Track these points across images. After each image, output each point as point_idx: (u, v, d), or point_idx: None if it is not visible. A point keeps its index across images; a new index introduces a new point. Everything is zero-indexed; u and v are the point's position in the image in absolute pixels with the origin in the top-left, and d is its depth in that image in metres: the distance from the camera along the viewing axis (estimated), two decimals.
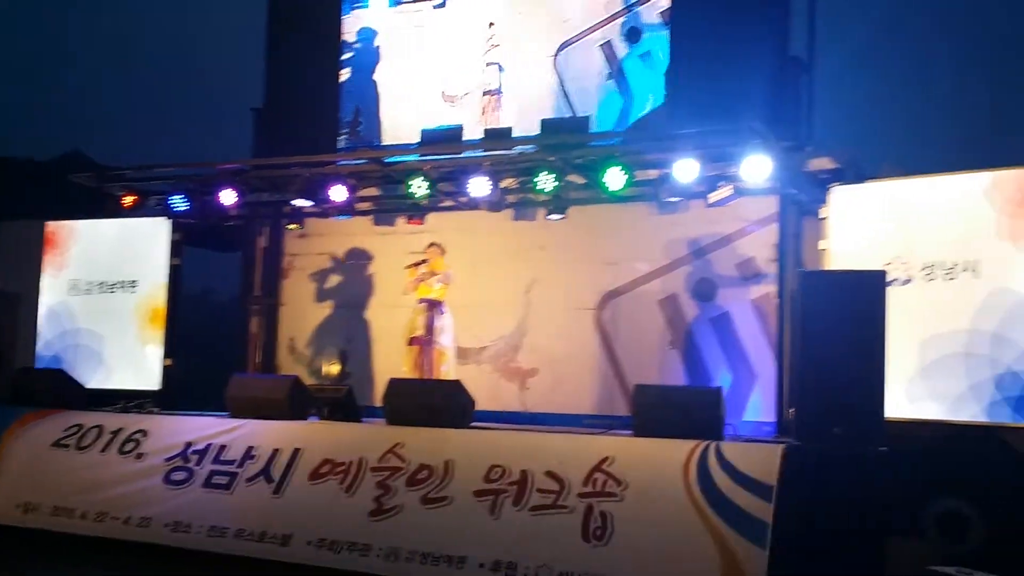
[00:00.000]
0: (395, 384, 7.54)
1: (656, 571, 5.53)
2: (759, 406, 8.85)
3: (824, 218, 8.01)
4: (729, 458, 5.86)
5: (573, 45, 9.94)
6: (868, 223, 7.79)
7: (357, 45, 10.97)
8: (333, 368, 10.07)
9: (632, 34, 9.76)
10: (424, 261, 9.05)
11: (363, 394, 9.34)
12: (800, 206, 8.42)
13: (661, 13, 9.63)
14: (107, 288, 10.16)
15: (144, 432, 7.60)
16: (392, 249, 10.32)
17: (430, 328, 8.91)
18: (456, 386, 7.42)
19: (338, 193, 8.93)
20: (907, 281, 7.52)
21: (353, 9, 11.04)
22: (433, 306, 8.97)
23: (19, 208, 12.93)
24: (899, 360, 6.98)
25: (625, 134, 9.54)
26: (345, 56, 10.97)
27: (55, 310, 10.28)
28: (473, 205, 9.11)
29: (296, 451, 6.94)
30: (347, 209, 9.32)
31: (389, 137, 10.64)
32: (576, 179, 8.58)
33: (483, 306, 9.96)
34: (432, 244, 9.15)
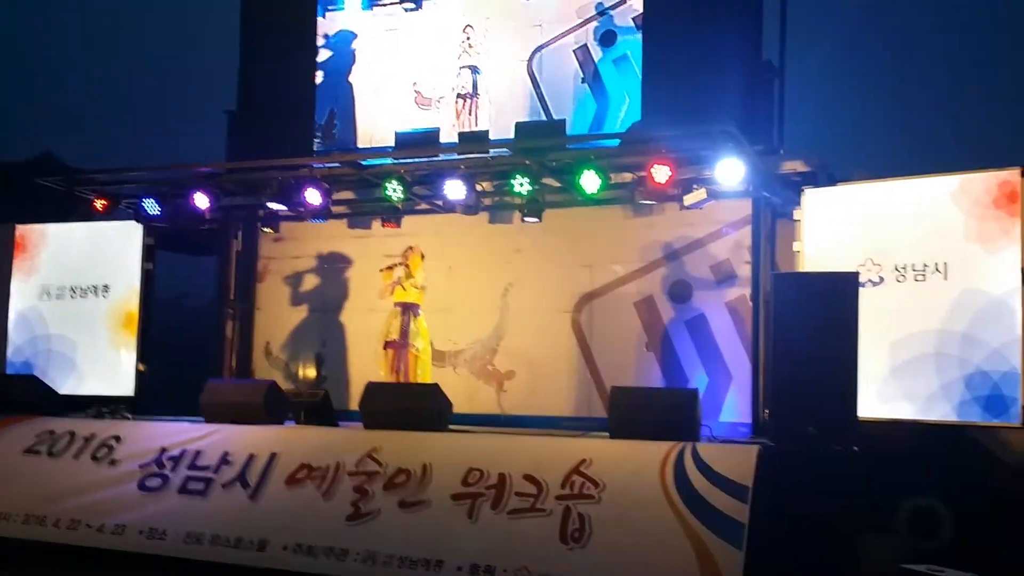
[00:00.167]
0: (372, 388, 7.53)
1: (634, 573, 5.56)
2: (735, 407, 8.92)
3: (797, 220, 8.09)
4: (705, 459, 5.91)
5: (548, 49, 9.98)
6: (840, 225, 7.88)
7: (332, 47, 10.94)
8: (309, 372, 10.04)
9: (607, 37, 9.81)
10: (398, 264, 9.04)
11: (339, 398, 9.31)
12: (773, 209, 8.50)
13: (634, 18, 9.70)
14: (79, 293, 10.06)
15: (118, 438, 7.54)
16: (368, 252, 10.30)
17: (405, 332, 8.91)
18: (433, 390, 7.42)
19: (313, 196, 8.89)
20: (879, 283, 7.62)
21: (327, 11, 11.01)
22: (408, 309, 8.96)
23: None
24: (871, 361, 7.07)
25: (600, 137, 9.57)
26: (320, 58, 10.94)
27: (25, 315, 10.17)
28: (449, 208, 9.11)
29: (272, 456, 6.91)
30: (322, 212, 9.28)
31: (364, 140, 10.63)
32: (552, 182, 8.62)
33: (460, 309, 9.97)
34: (410, 247, 9.14)
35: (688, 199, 8.18)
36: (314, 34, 10.96)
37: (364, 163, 9.19)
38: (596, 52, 9.84)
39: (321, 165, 9.59)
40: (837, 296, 6.41)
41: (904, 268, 7.55)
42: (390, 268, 9.04)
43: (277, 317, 10.94)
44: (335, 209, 9.77)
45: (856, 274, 6.75)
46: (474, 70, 10.24)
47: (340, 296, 10.65)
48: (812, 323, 6.35)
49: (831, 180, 8.12)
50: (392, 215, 9.67)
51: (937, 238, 7.44)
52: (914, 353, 7.41)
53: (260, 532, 6.43)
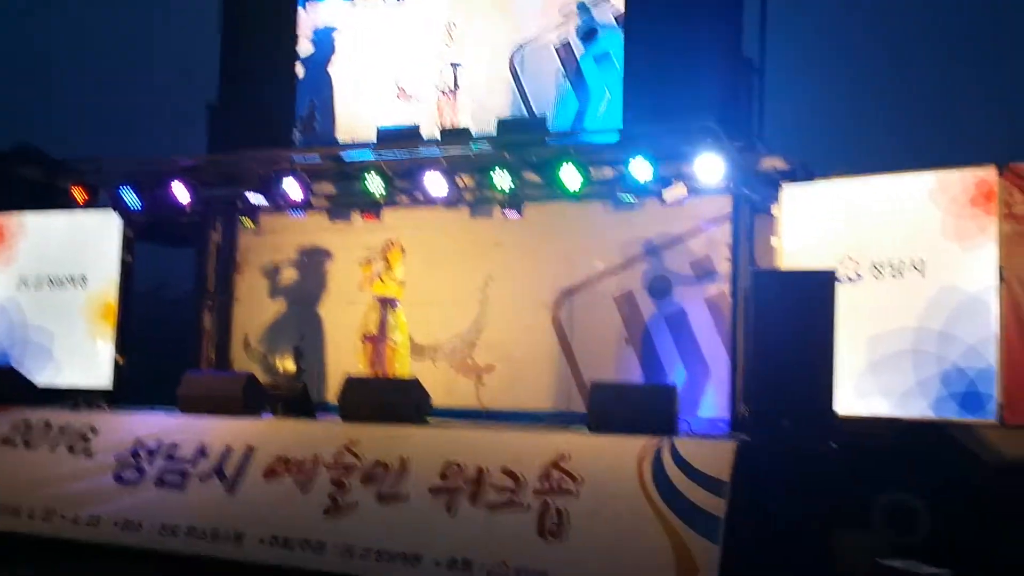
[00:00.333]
0: (351, 381, 7.52)
1: (611, 567, 5.58)
2: (713, 402, 8.95)
3: (776, 217, 8.13)
4: (683, 454, 5.94)
5: (529, 45, 9.97)
6: (819, 222, 7.91)
7: (315, 44, 10.89)
8: (288, 365, 10.00)
9: (588, 35, 9.81)
10: (377, 258, 9.02)
11: (318, 391, 9.30)
12: (753, 205, 8.53)
13: (616, 16, 9.70)
14: (57, 283, 9.99)
15: (94, 429, 7.51)
16: (348, 245, 10.26)
17: (383, 325, 8.90)
18: (412, 383, 7.42)
19: (293, 189, 8.87)
20: (856, 279, 7.66)
21: (308, 3, 10.95)
22: (387, 303, 8.95)
23: None
24: (848, 357, 7.11)
25: (581, 134, 9.58)
26: (301, 51, 10.89)
27: (2, 305, 10.07)
28: (430, 202, 9.09)
29: (250, 449, 6.89)
30: (302, 205, 9.25)
31: (344, 133, 10.58)
32: (533, 177, 8.62)
33: (439, 303, 9.95)
34: (389, 241, 9.13)
35: (668, 195, 8.21)
36: (295, 27, 10.90)
37: (345, 157, 9.15)
38: (578, 49, 9.84)
39: (302, 158, 9.55)
40: (815, 293, 6.45)
41: (882, 265, 7.60)
42: (369, 262, 9.03)
43: (256, 309, 10.90)
44: (315, 202, 9.75)
45: (834, 271, 6.78)
46: (456, 65, 10.22)
47: (319, 289, 10.61)
48: (790, 319, 6.38)
49: (810, 176, 8.15)
50: (372, 208, 9.65)
51: (915, 235, 7.49)
52: (891, 350, 7.46)
53: (237, 525, 6.43)
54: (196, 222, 10.78)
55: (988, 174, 7.28)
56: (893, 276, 7.54)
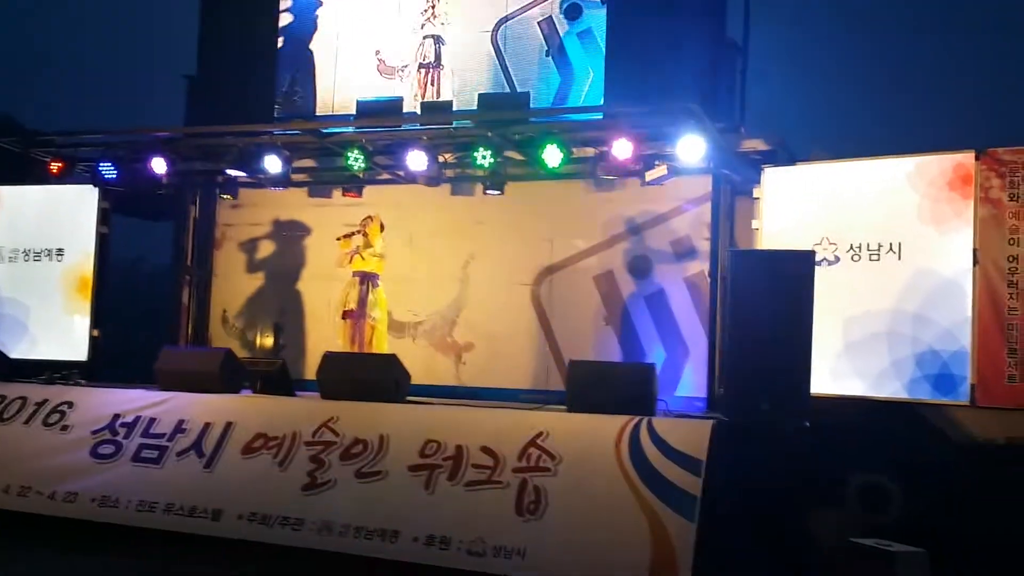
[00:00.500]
0: (330, 358, 7.50)
1: (588, 545, 5.62)
2: (691, 382, 9.01)
3: (756, 198, 8.16)
4: (660, 433, 5.98)
5: (512, 20, 9.91)
6: (798, 204, 7.96)
7: (293, 12, 10.76)
8: (267, 341, 9.98)
9: (572, 10, 9.76)
10: (356, 233, 8.99)
11: (296, 367, 9.28)
12: (733, 186, 8.55)
13: None
14: (32, 256, 9.89)
15: (70, 404, 7.46)
16: (327, 221, 10.20)
17: (363, 302, 8.88)
18: (391, 360, 7.42)
19: (273, 164, 8.80)
20: (834, 261, 7.72)
21: None
22: (367, 279, 8.93)
23: None
24: (825, 338, 7.18)
25: (563, 111, 9.56)
26: (281, 23, 10.77)
27: None
28: (411, 179, 9.06)
29: (228, 425, 6.88)
30: (282, 180, 9.18)
31: (324, 107, 10.48)
32: (514, 155, 8.60)
33: (420, 280, 9.94)
34: (368, 216, 9.09)
35: (649, 175, 8.22)
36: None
37: (325, 131, 9.09)
38: (561, 25, 9.79)
39: (282, 132, 9.47)
40: (793, 274, 6.49)
41: (859, 247, 7.66)
42: (348, 236, 9.00)
43: (234, 285, 10.84)
44: (295, 177, 9.68)
45: (812, 252, 6.83)
46: (438, 40, 10.14)
47: (298, 265, 10.57)
48: (768, 300, 6.42)
49: (791, 159, 8.19)
50: (353, 184, 9.59)
51: (892, 219, 7.55)
52: (867, 331, 7.53)
53: (215, 501, 6.41)
54: (174, 195, 10.67)
55: (966, 158, 7.34)
56: (871, 259, 7.61)
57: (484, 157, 8.24)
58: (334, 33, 10.55)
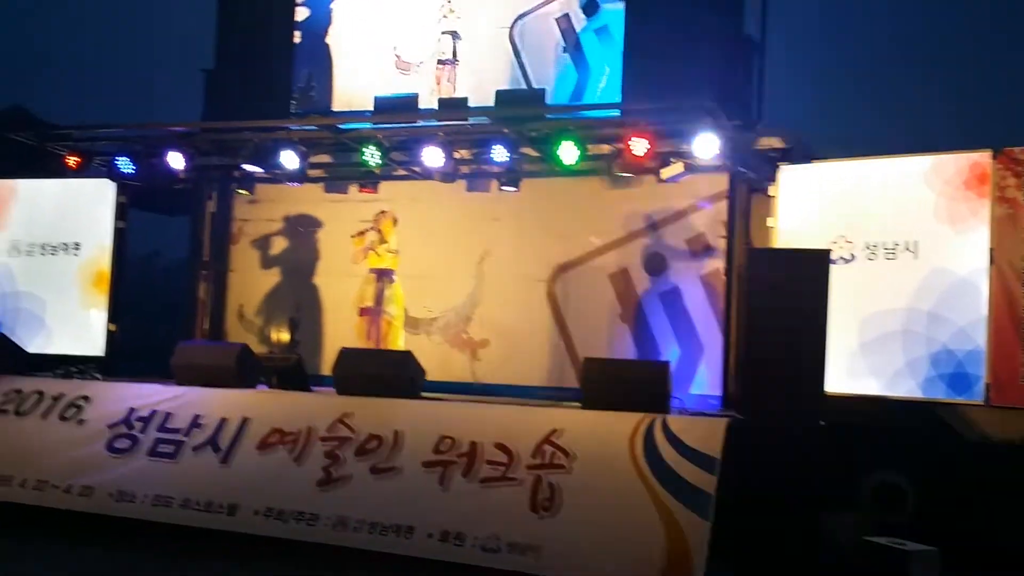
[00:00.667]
0: (346, 353, 7.53)
1: (603, 542, 5.62)
2: (706, 379, 9.00)
3: (772, 196, 8.14)
4: (675, 431, 5.98)
5: (530, 16, 9.90)
6: (814, 202, 7.94)
7: (309, 6, 10.78)
8: (283, 336, 10.01)
9: (589, 7, 9.75)
10: (369, 229, 9.00)
11: (312, 363, 9.31)
12: (750, 184, 8.53)
13: None
14: (49, 250, 9.95)
15: (87, 398, 7.49)
16: (344, 217, 10.24)
17: (380, 298, 8.91)
18: (407, 356, 7.44)
19: (289, 159, 8.83)
20: (850, 260, 7.69)
21: None
22: (383, 276, 8.95)
23: None
24: (840, 336, 7.16)
25: (579, 108, 9.55)
26: (298, 17, 10.79)
27: None
28: (427, 175, 9.07)
29: (244, 420, 6.90)
30: (298, 176, 9.22)
31: (341, 103, 10.52)
32: (530, 152, 8.60)
33: (435, 276, 9.96)
34: (382, 212, 9.10)
35: (665, 172, 8.20)
36: None
37: (342, 127, 9.11)
38: (578, 21, 9.78)
39: (298, 128, 9.49)
40: (809, 272, 6.46)
41: (875, 246, 7.63)
42: (361, 233, 9.02)
43: (251, 280, 10.88)
44: (311, 173, 9.71)
45: (828, 251, 6.80)
46: (455, 36, 10.15)
47: (315, 260, 10.59)
48: (784, 298, 6.40)
49: (807, 157, 8.16)
50: (369, 180, 9.61)
51: (908, 217, 7.52)
52: (882, 330, 7.51)
53: (231, 496, 6.44)
54: (191, 190, 10.73)
55: (982, 158, 7.31)
56: (886, 257, 7.58)
57: (500, 153, 8.24)
58: (351, 28, 10.58)
